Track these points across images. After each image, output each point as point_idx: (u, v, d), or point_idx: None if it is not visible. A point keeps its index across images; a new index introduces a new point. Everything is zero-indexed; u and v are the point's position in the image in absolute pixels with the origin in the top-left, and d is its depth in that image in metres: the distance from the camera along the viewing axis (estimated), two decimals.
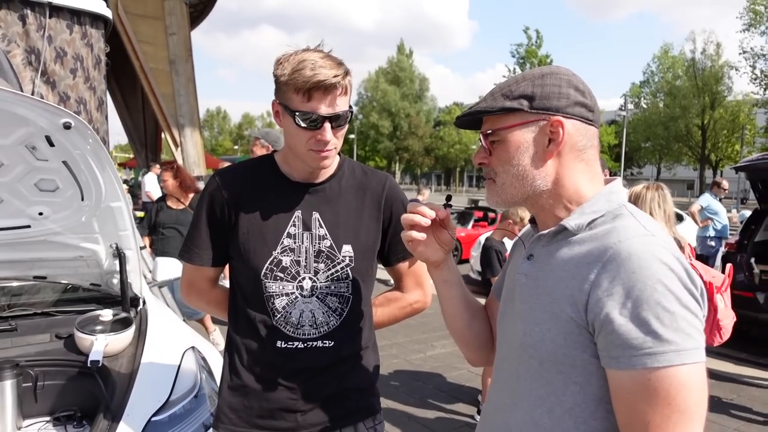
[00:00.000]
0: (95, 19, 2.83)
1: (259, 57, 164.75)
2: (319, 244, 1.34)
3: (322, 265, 1.34)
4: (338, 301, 1.36)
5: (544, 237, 0.98)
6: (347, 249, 1.35)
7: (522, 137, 0.95)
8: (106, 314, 2.17)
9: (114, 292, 2.54)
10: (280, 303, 1.33)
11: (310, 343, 1.34)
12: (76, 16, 2.71)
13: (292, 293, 1.33)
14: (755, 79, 28.59)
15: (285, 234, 1.33)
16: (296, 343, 1.33)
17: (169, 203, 4.77)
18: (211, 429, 1.56)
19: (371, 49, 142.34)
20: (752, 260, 5.69)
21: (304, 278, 1.33)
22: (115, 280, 2.50)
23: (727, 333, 2.86)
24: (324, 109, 1.22)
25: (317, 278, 1.34)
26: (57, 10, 2.63)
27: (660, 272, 0.81)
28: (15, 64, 2.63)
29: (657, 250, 0.84)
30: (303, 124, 1.23)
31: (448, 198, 1.19)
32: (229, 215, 1.36)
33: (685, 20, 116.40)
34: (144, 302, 2.56)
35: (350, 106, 1.30)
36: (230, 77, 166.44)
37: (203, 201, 1.39)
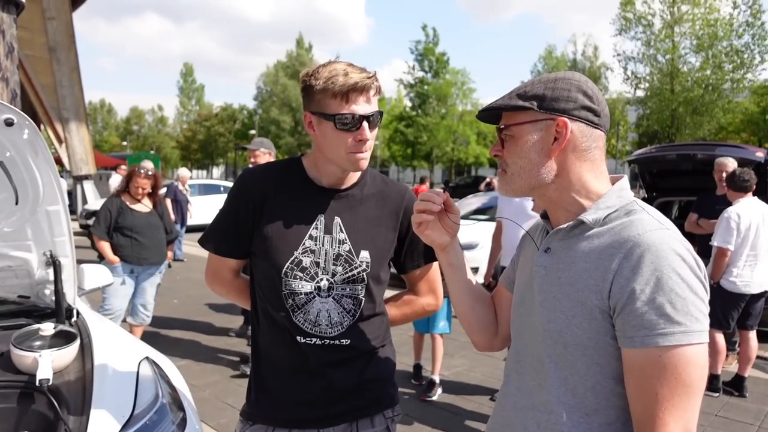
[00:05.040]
0: (6, 2, 2.54)
1: (143, 46, 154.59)
2: (338, 247, 1.40)
3: (339, 268, 1.39)
4: (352, 303, 1.41)
5: (561, 231, 1.06)
6: (365, 254, 1.41)
7: (530, 134, 1.05)
8: (47, 328, 1.98)
9: (44, 304, 2.32)
10: (299, 301, 1.38)
11: (327, 340, 1.39)
12: None
13: (311, 293, 1.38)
14: (627, 80, 31.52)
15: (307, 236, 1.39)
16: (314, 339, 1.39)
17: (132, 206, 4.42)
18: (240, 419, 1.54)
19: (266, 42, 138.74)
20: None
21: (322, 279, 1.38)
22: (47, 291, 2.29)
23: None
24: (361, 110, 1.29)
25: (334, 280, 1.39)
26: None
27: (675, 262, 0.92)
28: None
29: (672, 243, 0.94)
30: (344, 127, 1.29)
31: (446, 183, 1.27)
32: (256, 212, 1.42)
33: (564, 23, 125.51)
34: (78, 313, 2.36)
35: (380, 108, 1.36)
36: (112, 67, 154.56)
37: (233, 195, 1.46)
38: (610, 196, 1.04)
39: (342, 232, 1.41)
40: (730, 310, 4.16)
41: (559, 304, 1.02)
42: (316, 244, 1.39)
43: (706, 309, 0.94)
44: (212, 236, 1.51)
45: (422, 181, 15.24)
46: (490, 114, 1.12)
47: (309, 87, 1.32)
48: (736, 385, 4.24)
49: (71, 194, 15.77)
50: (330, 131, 1.32)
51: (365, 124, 1.31)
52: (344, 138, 1.31)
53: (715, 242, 4.13)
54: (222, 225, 1.49)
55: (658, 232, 0.96)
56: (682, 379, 0.90)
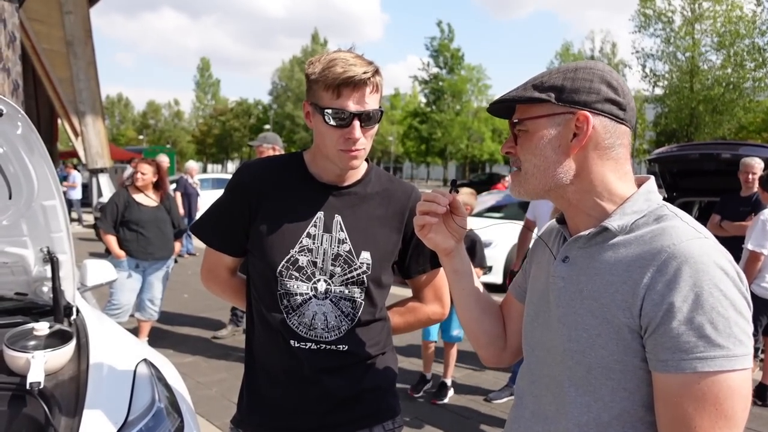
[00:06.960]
0: None
1: (160, 42, 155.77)
2: (338, 247, 1.31)
3: (338, 269, 1.30)
4: (351, 306, 1.32)
5: (582, 238, 0.96)
6: (366, 256, 1.32)
7: (547, 129, 0.94)
8: (41, 327, 1.91)
9: (42, 302, 2.26)
10: (293, 302, 1.30)
11: (323, 345, 1.31)
12: None
13: (306, 294, 1.30)
14: (645, 77, 31.03)
15: (305, 234, 1.30)
16: (309, 344, 1.30)
17: (138, 199, 4.40)
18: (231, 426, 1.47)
19: (281, 37, 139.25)
20: None
21: (319, 280, 1.30)
22: (45, 288, 2.22)
23: None
24: (353, 106, 1.21)
25: (332, 281, 1.30)
26: None
27: (717, 277, 0.81)
28: None
29: (713, 254, 0.83)
30: (332, 122, 1.21)
31: (454, 183, 1.18)
32: (252, 208, 1.35)
33: (580, 20, 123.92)
34: (78, 311, 2.29)
35: (380, 106, 1.27)
36: (129, 62, 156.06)
37: (229, 189, 1.39)
38: (636, 199, 0.94)
39: (342, 231, 1.32)
40: (758, 316, 3.97)
41: (582, 320, 0.91)
42: (314, 243, 1.30)
43: (750, 329, 0.83)
44: (202, 225, 1.45)
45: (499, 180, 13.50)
46: (503, 107, 1.01)
47: (308, 75, 1.25)
48: (760, 394, 4.07)
49: (87, 187, 15.89)
50: (321, 125, 1.24)
51: (356, 122, 1.21)
52: (334, 134, 1.23)
53: (749, 245, 3.93)
54: (212, 216, 1.43)
55: (695, 241, 0.84)
56: (723, 410, 0.79)
